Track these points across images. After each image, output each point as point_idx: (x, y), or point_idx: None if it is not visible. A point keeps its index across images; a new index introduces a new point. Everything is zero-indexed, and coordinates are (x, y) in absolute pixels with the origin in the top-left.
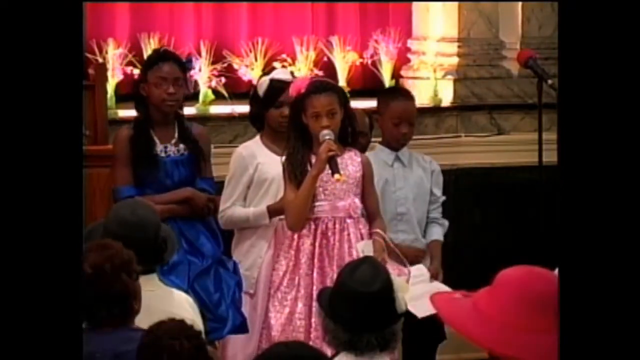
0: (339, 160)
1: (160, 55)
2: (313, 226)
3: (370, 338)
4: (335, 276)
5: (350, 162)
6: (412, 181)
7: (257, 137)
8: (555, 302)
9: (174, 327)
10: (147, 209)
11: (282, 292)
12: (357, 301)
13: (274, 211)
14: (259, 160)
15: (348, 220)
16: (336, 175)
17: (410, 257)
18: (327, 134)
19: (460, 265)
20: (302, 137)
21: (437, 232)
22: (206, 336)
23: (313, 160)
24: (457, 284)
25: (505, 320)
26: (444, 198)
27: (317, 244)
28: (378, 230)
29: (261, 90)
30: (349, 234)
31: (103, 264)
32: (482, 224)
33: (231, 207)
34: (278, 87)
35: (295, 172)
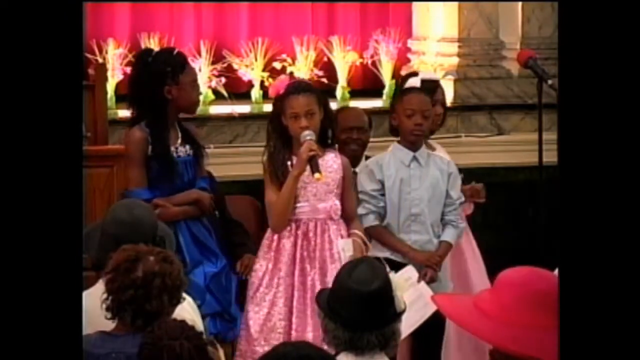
0: (320, 161)
1: (185, 59)
2: (294, 227)
3: (370, 337)
4: (316, 278)
5: (331, 163)
6: (427, 182)
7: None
8: (556, 301)
9: (175, 328)
10: (143, 209)
11: (260, 293)
12: (356, 300)
13: None
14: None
15: (329, 222)
16: (316, 175)
17: (421, 259)
18: (308, 135)
19: None
20: (281, 138)
21: (449, 234)
22: (219, 336)
23: (294, 161)
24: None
25: (507, 316)
26: (462, 199)
27: (298, 246)
28: (356, 232)
29: None
30: (330, 236)
31: (155, 277)
32: (482, 223)
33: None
34: (431, 87)
35: (276, 173)
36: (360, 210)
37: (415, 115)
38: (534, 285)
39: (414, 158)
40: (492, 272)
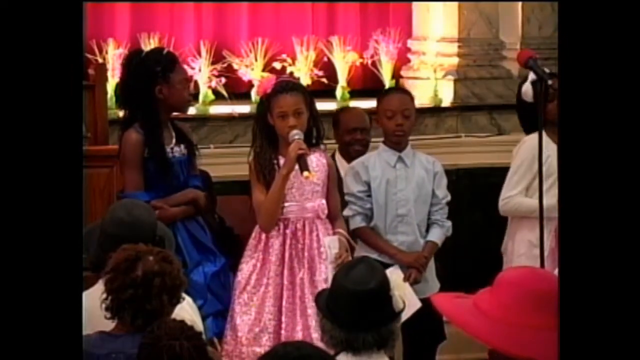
0: (307, 160)
1: (174, 58)
2: (282, 227)
3: (367, 337)
4: (305, 277)
5: (317, 162)
6: (413, 182)
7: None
8: (556, 301)
9: (174, 328)
10: (142, 209)
11: (248, 293)
12: (353, 300)
13: None
14: (549, 153)
15: (317, 221)
16: (305, 173)
17: (409, 261)
18: (296, 134)
19: (461, 265)
20: (268, 138)
21: (435, 234)
22: (221, 335)
23: (280, 160)
24: (458, 284)
25: (506, 317)
26: (448, 198)
27: (287, 245)
28: (341, 230)
29: (528, 96)
30: (318, 235)
31: (155, 276)
32: (482, 224)
33: (517, 196)
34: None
35: (263, 173)
36: (347, 212)
37: (396, 116)
38: (533, 285)
39: (400, 159)
40: (492, 272)
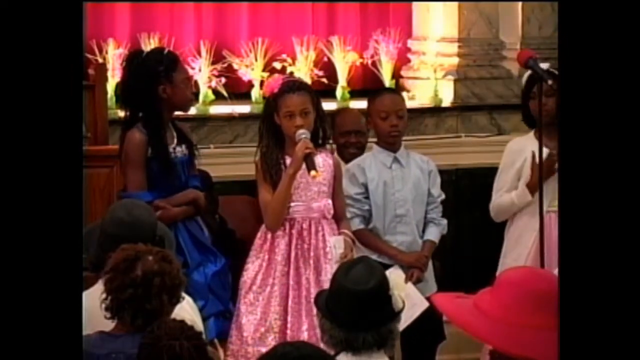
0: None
1: (176, 57)
2: (288, 226)
3: (366, 337)
4: (310, 277)
5: (324, 162)
6: (410, 183)
7: (531, 132)
8: (556, 301)
9: (174, 328)
10: (143, 209)
11: (254, 293)
12: (352, 300)
13: (534, 186)
14: (527, 154)
15: (323, 221)
16: (312, 172)
17: (410, 261)
18: (303, 133)
19: (460, 265)
20: (274, 138)
21: (433, 233)
22: (222, 336)
23: (287, 160)
24: (458, 284)
25: (507, 317)
26: (443, 197)
27: (292, 245)
28: (346, 231)
29: (521, 84)
30: (323, 235)
31: (154, 276)
32: (482, 224)
33: (499, 198)
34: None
35: (270, 172)
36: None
37: (390, 116)
38: (533, 285)
39: (395, 159)
40: (492, 272)
